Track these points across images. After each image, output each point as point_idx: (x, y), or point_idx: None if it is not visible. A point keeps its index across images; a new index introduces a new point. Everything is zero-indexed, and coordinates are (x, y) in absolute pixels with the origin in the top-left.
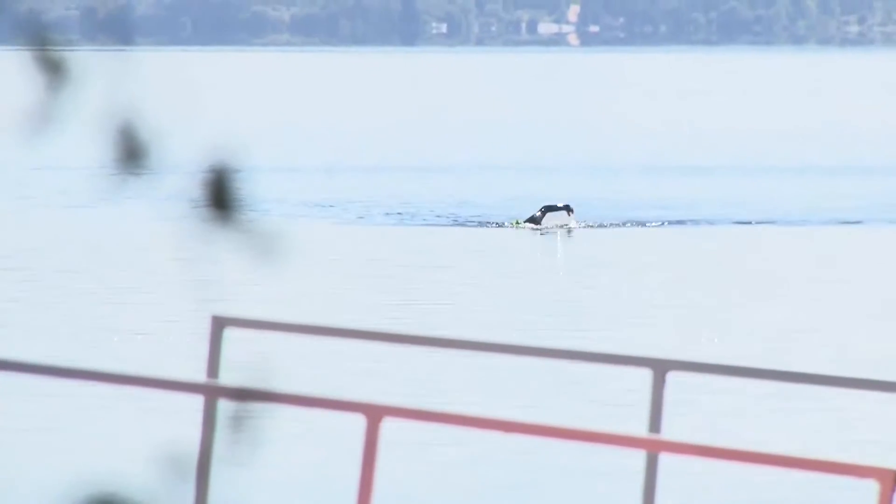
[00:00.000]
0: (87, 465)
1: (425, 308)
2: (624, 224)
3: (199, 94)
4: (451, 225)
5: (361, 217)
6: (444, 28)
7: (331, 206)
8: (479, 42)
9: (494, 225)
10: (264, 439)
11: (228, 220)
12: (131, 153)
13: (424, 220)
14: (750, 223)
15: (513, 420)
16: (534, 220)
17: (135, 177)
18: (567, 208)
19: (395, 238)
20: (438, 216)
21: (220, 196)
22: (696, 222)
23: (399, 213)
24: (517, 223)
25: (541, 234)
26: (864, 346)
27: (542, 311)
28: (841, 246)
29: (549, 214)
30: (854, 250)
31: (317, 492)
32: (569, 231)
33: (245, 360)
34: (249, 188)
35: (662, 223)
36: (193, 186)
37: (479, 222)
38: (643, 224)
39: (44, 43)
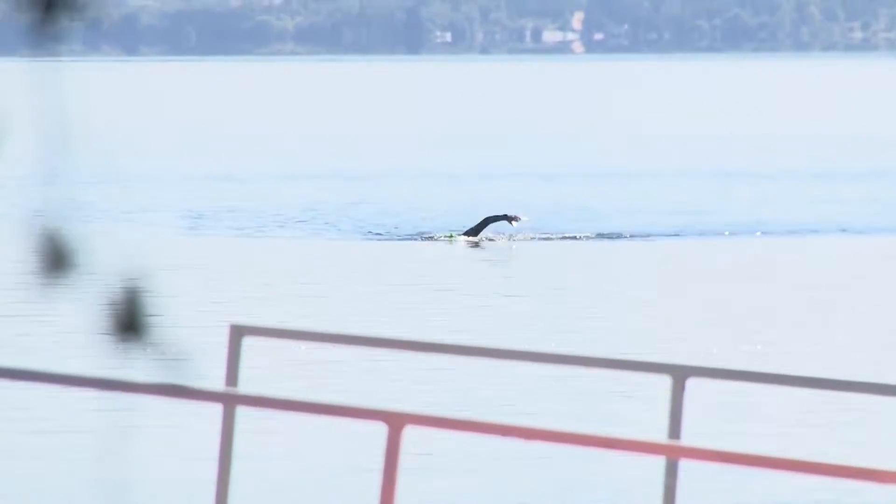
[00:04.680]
0: (110, 474)
1: (431, 322)
2: (596, 236)
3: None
4: (417, 239)
5: (330, 230)
6: (448, 37)
7: (303, 219)
8: (484, 50)
9: (425, 238)
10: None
11: (137, 342)
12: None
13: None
14: (754, 232)
15: (533, 427)
16: (472, 231)
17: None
18: (508, 217)
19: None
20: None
21: (130, 319)
22: (703, 232)
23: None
24: (451, 236)
25: (474, 245)
26: (881, 351)
27: (544, 322)
28: (847, 254)
29: (490, 226)
30: (857, 258)
31: (338, 500)
32: (511, 241)
33: (264, 368)
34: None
35: (652, 236)
36: (104, 307)
37: (421, 235)
38: (621, 236)
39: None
